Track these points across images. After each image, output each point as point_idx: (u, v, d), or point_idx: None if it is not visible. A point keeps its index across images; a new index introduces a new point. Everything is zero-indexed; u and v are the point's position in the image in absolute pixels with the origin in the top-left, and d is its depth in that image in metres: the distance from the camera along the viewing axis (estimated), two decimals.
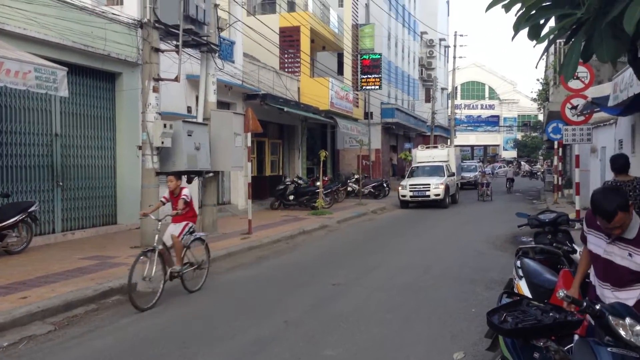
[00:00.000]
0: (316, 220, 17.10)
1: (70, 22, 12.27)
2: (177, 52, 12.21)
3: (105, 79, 14.21)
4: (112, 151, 14.47)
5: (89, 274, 8.85)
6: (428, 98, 51.88)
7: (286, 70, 26.48)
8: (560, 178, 24.74)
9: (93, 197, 13.79)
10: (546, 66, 33.22)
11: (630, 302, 3.35)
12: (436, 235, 14.88)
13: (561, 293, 3.17)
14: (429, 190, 22.63)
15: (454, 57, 47.95)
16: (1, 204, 11.03)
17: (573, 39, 4.03)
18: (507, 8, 4.24)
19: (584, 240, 3.81)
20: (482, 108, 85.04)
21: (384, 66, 35.35)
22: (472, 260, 10.84)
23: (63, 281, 8.28)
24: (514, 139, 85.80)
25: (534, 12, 4.13)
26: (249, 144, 14.49)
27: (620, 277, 3.45)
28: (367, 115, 33.49)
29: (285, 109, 21.44)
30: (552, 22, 4.35)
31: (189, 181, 13.53)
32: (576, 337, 3.44)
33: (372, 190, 27.41)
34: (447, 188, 23.06)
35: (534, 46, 5.03)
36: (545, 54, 6.98)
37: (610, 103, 10.98)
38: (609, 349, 2.83)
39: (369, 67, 32.95)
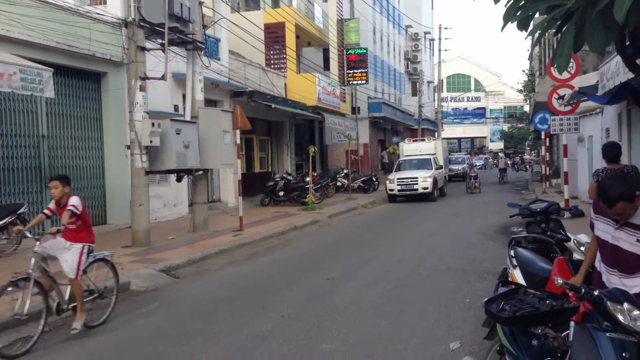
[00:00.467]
0: (307, 216, 17.11)
1: (53, 23, 12.16)
2: (163, 50, 12.17)
3: (91, 78, 14.09)
4: (100, 151, 14.37)
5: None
6: (414, 91, 51.99)
7: (272, 66, 26.42)
8: (547, 168, 24.92)
9: (82, 197, 13.63)
10: (531, 57, 33.42)
11: (637, 289, 3.39)
12: (427, 227, 14.95)
13: (559, 280, 3.21)
14: (416, 184, 22.44)
15: (439, 50, 48.15)
16: None
17: (564, 30, 4.06)
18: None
19: (592, 227, 3.84)
20: (468, 100, 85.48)
21: (370, 60, 35.37)
22: (463, 251, 10.91)
23: None
24: (501, 131, 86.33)
25: (523, 2, 4.16)
26: (238, 141, 14.45)
27: (627, 263, 3.48)
28: (355, 110, 33.55)
29: (273, 105, 21.39)
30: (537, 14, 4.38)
31: (179, 180, 13.52)
32: (572, 323, 3.48)
33: (361, 184, 27.47)
34: (435, 181, 22.89)
35: (526, 37, 5.06)
36: (531, 42, 7.05)
37: (599, 92, 11.09)
38: (607, 334, 2.87)
39: (355, 61, 32.98)
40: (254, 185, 22.44)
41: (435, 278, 8.65)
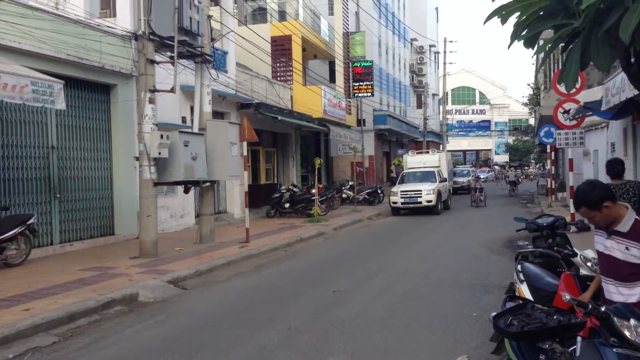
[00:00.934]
0: (313, 228, 17.17)
1: (64, 35, 12.33)
2: (172, 63, 12.29)
3: (100, 90, 14.25)
4: (109, 162, 14.49)
5: (89, 285, 8.88)
6: (419, 104, 52.16)
7: (279, 79, 26.60)
8: (553, 181, 24.94)
9: (90, 208, 13.80)
10: (536, 71, 33.48)
11: (634, 298, 3.46)
12: (433, 240, 14.98)
13: (567, 296, 3.26)
14: (420, 197, 22.27)
15: (444, 63, 48.33)
16: (0, 217, 11.03)
17: (570, 48, 4.14)
18: (503, 19, 4.35)
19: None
20: (473, 113, 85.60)
21: (376, 73, 35.56)
22: (469, 265, 10.94)
23: (65, 292, 8.30)
24: (506, 143, 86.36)
25: (529, 21, 4.24)
26: (245, 153, 14.56)
27: (620, 271, 3.56)
28: (360, 122, 33.66)
29: (279, 117, 21.54)
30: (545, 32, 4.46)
31: (186, 191, 13.62)
32: (579, 339, 3.53)
33: (366, 196, 27.54)
34: (439, 194, 22.74)
35: (532, 56, 5.12)
36: (536, 58, 7.11)
37: (603, 107, 11.16)
38: (614, 349, 2.92)
39: (361, 74, 33.15)
40: (259, 196, 22.53)
41: (441, 291, 8.68)
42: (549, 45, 4.40)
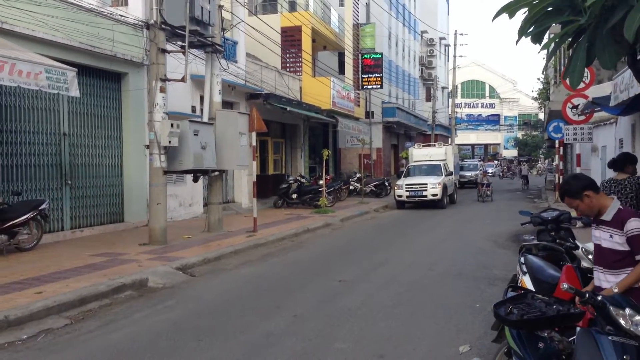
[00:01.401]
0: (320, 219, 17.30)
1: (78, 24, 12.46)
2: (184, 52, 12.41)
3: (112, 79, 14.40)
4: (119, 150, 14.67)
5: (100, 270, 9.05)
6: (429, 97, 52.06)
7: (288, 69, 26.67)
8: (561, 177, 24.92)
9: (101, 195, 13.99)
10: (546, 65, 33.35)
11: None
12: (438, 233, 15.08)
13: (565, 285, 3.37)
14: (425, 190, 21.99)
15: (454, 56, 48.19)
16: (13, 202, 11.22)
17: (576, 45, 4.22)
18: (511, 14, 4.43)
19: None
20: (482, 107, 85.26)
21: (385, 65, 35.52)
22: (474, 257, 11.04)
23: (76, 277, 8.48)
24: (515, 138, 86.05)
25: (537, 18, 4.31)
26: (254, 143, 14.67)
27: (607, 259, 3.80)
28: (369, 114, 33.69)
29: (288, 108, 21.63)
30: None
31: (195, 180, 13.76)
32: (578, 329, 3.63)
33: (373, 189, 27.62)
34: (444, 188, 22.48)
35: (539, 52, 5.21)
36: (546, 52, 7.12)
37: (611, 103, 11.16)
38: (610, 337, 3.02)
39: (370, 66, 33.13)
40: (267, 187, 22.68)
41: (445, 283, 8.79)
42: (555, 41, 4.49)
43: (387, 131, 38.28)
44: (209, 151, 12.88)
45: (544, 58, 38.43)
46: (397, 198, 22.74)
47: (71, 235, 12.84)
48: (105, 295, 7.76)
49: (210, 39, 13.42)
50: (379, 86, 33.38)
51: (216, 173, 13.83)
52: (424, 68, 52.33)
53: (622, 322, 3.04)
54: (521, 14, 4.36)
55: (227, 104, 18.39)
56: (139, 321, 6.86)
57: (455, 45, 48.16)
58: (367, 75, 33.07)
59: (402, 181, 23.17)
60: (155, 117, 11.77)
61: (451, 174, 24.95)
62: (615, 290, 3.49)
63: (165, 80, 11.95)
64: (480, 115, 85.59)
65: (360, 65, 33.34)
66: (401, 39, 44.07)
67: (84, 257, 10.17)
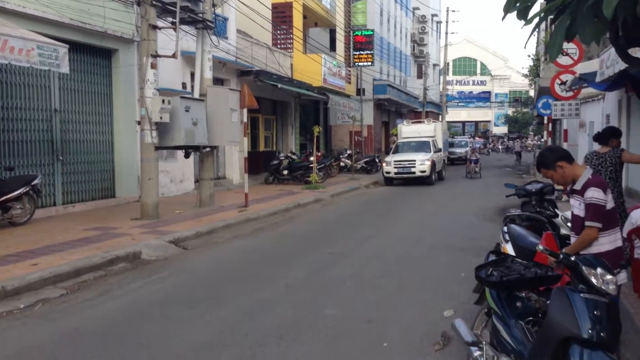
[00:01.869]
0: (310, 194, 17.46)
1: (68, 0, 12.42)
2: (174, 29, 12.41)
3: (102, 55, 14.38)
4: (110, 126, 14.70)
5: (93, 243, 9.19)
6: (420, 74, 52.07)
7: (279, 46, 26.59)
8: None
9: (92, 171, 14.06)
10: (537, 42, 33.41)
11: (594, 250, 3.89)
12: (428, 208, 15.29)
13: (540, 247, 3.56)
14: (414, 167, 22.04)
15: (446, 33, 48.06)
16: (5, 177, 11.30)
17: (558, 20, 4.34)
18: None
19: None
20: (473, 84, 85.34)
21: (376, 42, 35.45)
22: (462, 230, 11.26)
23: (70, 250, 8.61)
24: (505, 115, 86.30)
25: None
26: (245, 120, 14.74)
27: (578, 225, 4.05)
28: (360, 91, 33.67)
29: (279, 85, 21.64)
30: (536, 4, 4.65)
31: (187, 156, 13.84)
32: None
33: (364, 165, 27.82)
34: (433, 164, 22.51)
35: (522, 27, 5.33)
36: (537, 30, 7.25)
37: (597, 79, 11.33)
38: (582, 294, 3.21)
39: (362, 43, 33.04)
40: (258, 163, 22.77)
41: (433, 255, 9.00)
42: (541, 16, 4.60)
43: (378, 108, 38.34)
44: (200, 127, 12.96)
45: (534, 35, 38.38)
46: (385, 174, 22.73)
47: (63, 210, 12.95)
48: (100, 267, 7.91)
49: (201, 15, 13.41)
50: (370, 63, 33.34)
51: (207, 149, 13.92)
52: (415, 45, 52.22)
53: (594, 280, 3.22)
54: None
55: (218, 81, 18.38)
56: (133, 291, 7.02)
57: (447, 22, 48.01)
58: (358, 52, 33.00)
59: (391, 158, 23.11)
60: (147, 93, 11.81)
61: (440, 150, 24.95)
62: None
63: (156, 56, 11.96)
64: (471, 92, 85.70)
65: (351, 42, 33.26)
66: (393, 15, 43.93)
67: (77, 231, 10.30)
